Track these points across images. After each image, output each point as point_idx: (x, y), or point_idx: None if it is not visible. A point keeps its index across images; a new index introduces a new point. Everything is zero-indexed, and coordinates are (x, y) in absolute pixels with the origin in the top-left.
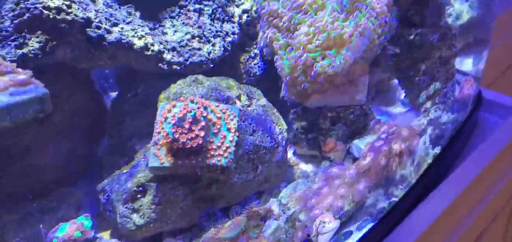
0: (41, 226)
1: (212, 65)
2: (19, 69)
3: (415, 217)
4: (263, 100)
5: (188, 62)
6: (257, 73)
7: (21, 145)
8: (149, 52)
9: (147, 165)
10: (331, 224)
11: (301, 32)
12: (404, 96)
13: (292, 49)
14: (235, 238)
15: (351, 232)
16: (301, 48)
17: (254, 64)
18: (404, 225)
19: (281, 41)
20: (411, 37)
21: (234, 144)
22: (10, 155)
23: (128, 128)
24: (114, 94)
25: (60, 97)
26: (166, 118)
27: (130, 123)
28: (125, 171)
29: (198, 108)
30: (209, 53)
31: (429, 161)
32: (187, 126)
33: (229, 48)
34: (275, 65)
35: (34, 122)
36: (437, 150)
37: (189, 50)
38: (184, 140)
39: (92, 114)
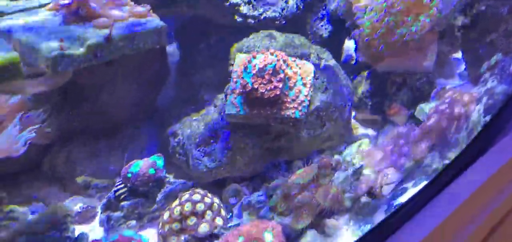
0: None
1: (284, 22)
2: (131, 2)
3: (458, 184)
4: (332, 61)
5: (262, 17)
6: (324, 35)
7: (92, 84)
8: (227, 3)
9: (220, 113)
10: (395, 175)
11: None
12: (465, 69)
13: (372, 9)
14: (307, 184)
15: (406, 188)
16: (384, 10)
17: (321, 26)
18: (450, 189)
19: (363, 2)
20: (483, 8)
21: (308, 98)
22: (82, 94)
23: (198, 78)
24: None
25: None
26: (245, 68)
27: (200, 73)
28: (195, 118)
29: (278, 60)
30: (282, 9)
31: (480, 128)
32: (266, 76)
33: (301, 7)
34: (357, 23)
35: (102, 63)
36: (488, 118)
37: (264, 4)
38: (263, 90)
39: (156, 62)
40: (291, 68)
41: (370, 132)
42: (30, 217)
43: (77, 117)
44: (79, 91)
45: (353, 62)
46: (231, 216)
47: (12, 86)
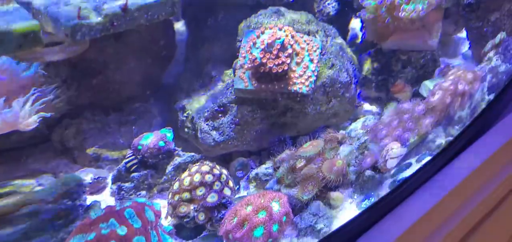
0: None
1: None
2: None
3: (461, 161)
4: (339, 39)
5: None
6: (331, 14)
7: (100, 60)
8: None
9: (227, 88)
10: (399, 149)
11: None
12: (469, 48)
13: None
14: (313, 157)
15: (410, 164)
16: None
17: (328, 4)
18: (453, 165)
19: None
20: None
21: (315, 74)
22: (90, 69)
23: (205, 54)
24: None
25: None
26: (254, 43)
27: (208, 49)
28: (203, 93)
29: (286, 36)
30: None
31: (483, 106)
32: (275, 52)
33: None
34: (362, 3)
35: (111, 39)
36: (491, 97)
37: None
38: (271, 65)
39: (163, 39)
40: (299, 44)
41: (375, 108)
42: (39, 188)
43: (87, 91)
44: (89, 66)
45: (359, 40)
46: (239, 188)
47: (32, 54)
